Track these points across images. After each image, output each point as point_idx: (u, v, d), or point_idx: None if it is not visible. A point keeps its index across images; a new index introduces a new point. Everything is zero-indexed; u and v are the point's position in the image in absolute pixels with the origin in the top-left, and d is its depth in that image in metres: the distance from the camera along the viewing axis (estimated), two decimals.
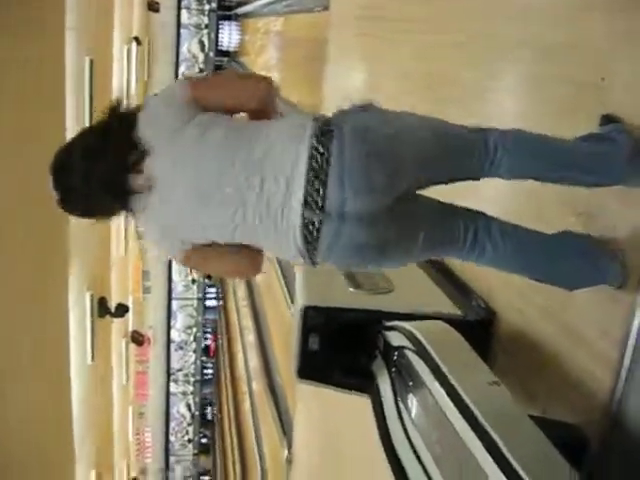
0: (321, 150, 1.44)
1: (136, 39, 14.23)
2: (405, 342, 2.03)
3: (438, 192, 1.68)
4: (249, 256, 1.64)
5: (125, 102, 1.60)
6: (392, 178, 1.49)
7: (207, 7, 20.96)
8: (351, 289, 2.41)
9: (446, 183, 1.68)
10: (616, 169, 1.69)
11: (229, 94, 1.64)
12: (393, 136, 1.50)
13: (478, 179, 1.69)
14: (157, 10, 17.24)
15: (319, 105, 5.42)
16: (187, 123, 1.52)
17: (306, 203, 1.45)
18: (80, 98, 8.57)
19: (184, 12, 20.30)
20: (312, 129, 1.47)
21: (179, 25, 19.65)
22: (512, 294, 2.32)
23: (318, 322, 2.28)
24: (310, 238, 1.48)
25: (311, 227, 1.46)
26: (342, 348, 2.34)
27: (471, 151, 1.60)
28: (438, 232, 1.66)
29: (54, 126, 7.35)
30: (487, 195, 2.19)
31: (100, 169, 1.54)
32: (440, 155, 1.59)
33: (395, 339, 2.10)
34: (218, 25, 20.90)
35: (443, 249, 1.73)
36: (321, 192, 1.44)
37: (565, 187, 1.78)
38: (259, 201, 1.47)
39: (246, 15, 17.93)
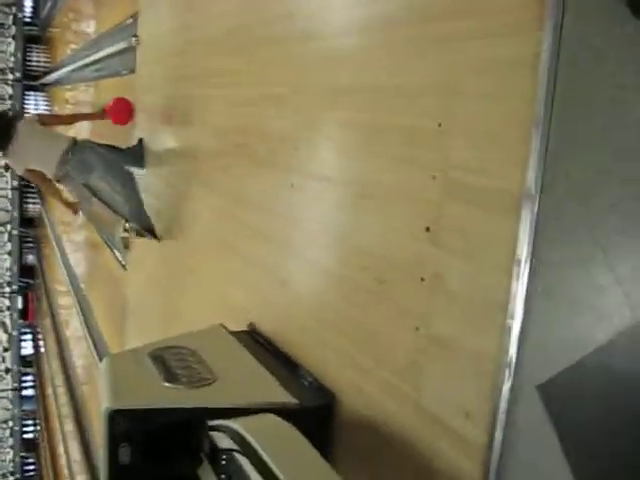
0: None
1: None
2: (232, 444, 1.72)
3: None
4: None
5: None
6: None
7: (11, 77, 19.89)
8: (166, 384, 2.04)
9: None
10: None
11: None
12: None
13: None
14: None
15: None
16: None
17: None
18: None
19: None
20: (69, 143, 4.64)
21: None
22: (349, 369, 2.07)
23: (128, 429, 1.88)
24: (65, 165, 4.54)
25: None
26: (161, 455, 1.96)
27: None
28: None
29: None
30: None
31: None
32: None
33: (221, 440, 1.79)
34: (24, 96, 19.90)
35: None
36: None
37: None
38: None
39: (54, 84, 17.16)
